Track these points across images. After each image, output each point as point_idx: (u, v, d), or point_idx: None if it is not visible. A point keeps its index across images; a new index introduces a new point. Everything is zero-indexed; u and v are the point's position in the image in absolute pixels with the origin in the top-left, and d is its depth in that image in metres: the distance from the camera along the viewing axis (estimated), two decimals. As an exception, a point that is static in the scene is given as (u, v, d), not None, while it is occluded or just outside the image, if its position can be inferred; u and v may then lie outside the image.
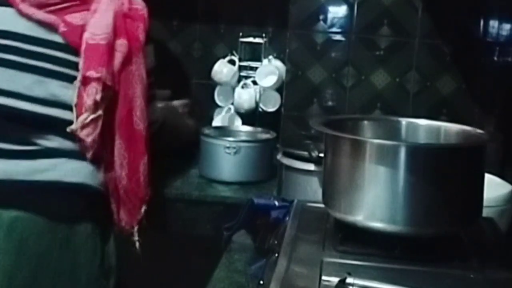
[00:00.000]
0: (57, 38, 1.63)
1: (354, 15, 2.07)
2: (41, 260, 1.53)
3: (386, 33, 2.06)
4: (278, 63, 2.43)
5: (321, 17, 2.08)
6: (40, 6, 1.63)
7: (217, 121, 2.48)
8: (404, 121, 1.50)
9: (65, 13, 1.63)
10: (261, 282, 1.23)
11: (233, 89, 2.45)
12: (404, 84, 2.08)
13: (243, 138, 2.21)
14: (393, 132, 1.48)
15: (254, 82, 2.42)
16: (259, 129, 2.31)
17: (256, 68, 2.43)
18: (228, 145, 2.10)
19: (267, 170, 2.15)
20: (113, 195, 1.71)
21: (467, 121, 1.47)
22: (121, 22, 1.67)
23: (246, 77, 2.46)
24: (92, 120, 1.61)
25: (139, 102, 1.69)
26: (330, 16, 2.08)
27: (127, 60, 1.66)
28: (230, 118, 2.47)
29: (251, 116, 2.45)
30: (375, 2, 2.06)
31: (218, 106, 2.49)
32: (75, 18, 1.63)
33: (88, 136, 1.61)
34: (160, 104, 2.03)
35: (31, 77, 1.59)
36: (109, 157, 1.68)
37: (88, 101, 1.60)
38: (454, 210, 1.24)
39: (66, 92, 1.61)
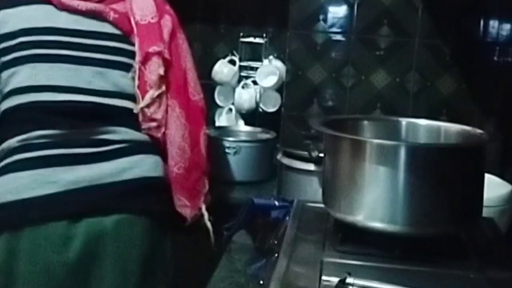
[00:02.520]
0: (106, 28, 1.64)
1: (354, 15, 2.07)
2: (147, 257, 1.54)
3: (386, 33, 2.07)
4: (278, 63, 2.43)
5: (321, 17, 2.09)
6: None
7: (217, 121, 2.48)
8: (404, 121, 1.50)
9: (106, 3, 1.66)
10: (261, 282, 1.23)
11: (234, 89, 2.45)
12: (404, 84, 2.08)
13: (243, 138, 2.21)
14: (393, 132, 1.48)
15: (254, 82, 2.42)
16: (259, 129, 2.32)
17: (257, 68, 2.43)
18: (228, 145, 2.10)
19: (267, 170, 2.16)
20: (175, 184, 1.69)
21: (467, 121, 1.47)
22: (159, 2, 1.73)
23: (247, 77, 2.46)
24: (158, 96, 1.63)
25: (191, 74, 1.74)
26: (330, 16, 2.09)
27: (174, 34, 1.72)
28: (230, 118, 2.47)
29: (251, 116, 2.45)
30: (375, 2, 2.06)
31: (218, 106, 2.49)
32: (118, 6, 1.66)
33: (157, 113, 1.63)
34: None
35: (89, 70, 1.59)
36: (168, 135, 1.69)
37: (153, 76, 1.63)
38: (454, 210, 1.24)
39: (126, 81, 1.62)
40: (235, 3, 2.56)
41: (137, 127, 1.61)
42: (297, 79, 2.11)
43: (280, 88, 2.32)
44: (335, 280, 1.08)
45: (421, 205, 1.20)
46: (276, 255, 1.23)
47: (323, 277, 1.11)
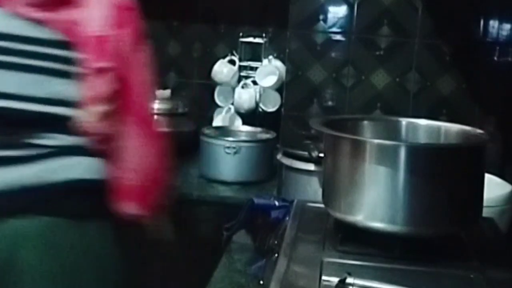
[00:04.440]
0: (53, 36, 1.62)
1: (354, 15, 2.07)
2: (76, 261, 1.52)
3: (386, 33, 2.07)
4: (278, 63, 2.43)
5: (321, 17, 2.09)
6: (32, 5, 1.62)
7: (217, 121, 2.48)
8: (404, 121, 1.50)
9: (58, 10, 1.63)
10: (261, 282, 1.23)
11: (233, 89, 2.45)
12: (404, 84, 2.08)
13: (243, 138, 2.21)
14: (393, 132, 1.48)
15: (254, 82, 2.42)
16: (259, 129, 2.31)
17: (256, 68, 2.43)
18: (228, 145, 2.10)
19: (267, 170, 2.16)
20: (123, 187, 1.69)
21: (467, 121, 1.47)
22: (118, 12, 1.70)
23: (246, 77, 2.46)
24: (107, 111, 1.62)
25: (147, 87, 1.70)
26: (330, 16, 2.09)
27: (132, 48, 1.69)
28: (230, 118, 2.47)
29: (251, 116, 2.45)
30: (375, 2, 2.06)
31: (218, 106, 2.49)
32: (69, 14, 1.64)
33: (105, 127, 1.62)
34: None
35: (29, 77, 1.59)
36: (119, 147, 1.68)
37: (101, 91, 1.59)
38: (454, 210, 1.24)
39: (67, 88, 1.60)
40: (235, 3, 2.56)
41: (74, 135, 1.60)
42: (297, 79, 2.11)
43: (280, 88, 2.32)
44: (335, 280, 1.08)
45: (421, 205, 1.20)
46: (276, 255, 1.23)
47: (323, 277, 1.11)
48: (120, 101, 1.64)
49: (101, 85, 1.60)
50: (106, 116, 1.61)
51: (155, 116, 1.78)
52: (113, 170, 1.64)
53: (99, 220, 1.58)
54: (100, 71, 1.60)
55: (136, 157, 1.67)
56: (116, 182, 1.64)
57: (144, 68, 1.70)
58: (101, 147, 1.62)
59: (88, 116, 1.57)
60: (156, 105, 2.41)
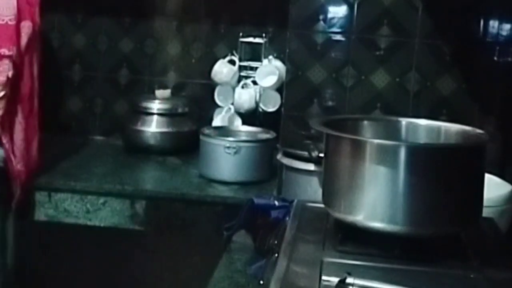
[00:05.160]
0: None
1: (354, 15, 2.07)
2: None
3: (386, 33, 2.06)
4: (278, 63, 2.43)
5: (321, 17, 2.08)
6: None
7: (217, 121, 2.48)
8: (404, 121, 1.50)
9: None
10: (261, 282, 1.23)
11: (233, 89, 2.45)
12: (404, 84, 2.08)
13: (243, 138, 2.21)
14: (393, 132, 1.48)
15: (254, 82, 2.42)
16: (259, 129, 2.31)
17: (256, 68, 2.43)
18: (228, 145, 2.10)
19: (267, 170, 2.16)
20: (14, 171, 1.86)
21: (467, 121, 1.47)
22: (23, 5, 1.78)
23: (246, 77, 2.46)
24: (2, 96, 1.73)
25: (37, 84, 1.86)
26: (330, 16, 2.08)
27: (31, 41, 1.78)
28: (230, 118, 2.47)
29: (251, 116, 2.45)
30: (375, 2, 2.05)
31: (218, 106, 2.49)
32: None
33: None
34: None
35: None
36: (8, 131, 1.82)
37: (1, 77, 1.71)
38: (454, 210, 1.24)
39: None
40: (235, 3, 2.56)
41: None
42: (297, 79, 2.11)
43: (280, 88, 2.32)
44: (335, 280, 1.08)
45: (421, 205, 1.20)
46: (276, 255, 1.23)
47: (323, 277, 1.11)
48: (12, 89, 1.76)
49: (1, 71, 1.71)
50: (2, 100, 1.74)
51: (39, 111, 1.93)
52: (8, 157, 1.80)
53: None
54: (3, 56, 1.70)
55: (23, 143, 1.83)
56: (10, 168, 1.81)
57: (38, 65, 1.85)
58: None
59: None
60: (156, 105, 2.42)
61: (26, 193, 1.91)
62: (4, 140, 1.81)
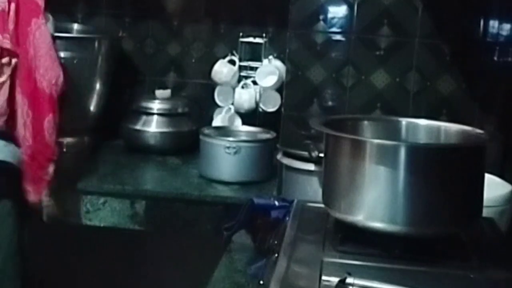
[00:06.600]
0: None
1: (354, 15, 2.07)
2: None
3: (386, 33, 2.06)
4: (278, 63, 2.43)
5: (321, 17, 2.08)
6: None
7: (217, 121, 2.48)
8: (404, 121, 1.50)
9: None
10: (261, 282, 1.23)
11: (233, 89, 2.45)
12: (404, 84, 2.08)
13: (243, 138, 2.21)
14: (393, 132, 1.48)
15: (254, 82, 2.42)
16: (259, 129, 2.31)
17: (256, 68, 2.43)
18: (228, 145, 2.10)
19: (267, 170, 2.15)
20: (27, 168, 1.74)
21: (467, 121, 1.47)
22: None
23: (246, 77, 2.46)
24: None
25: (43, 61, 1.73)
26: (330, 16, 2.08)
27: (25, 21, 1.71)
28: (230, 118, 2.47)
29: (251, 116, 2.45)
30: (375, 2, 2.05)
31: (218, 106, 2.49)
32: None
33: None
34: None
35: None
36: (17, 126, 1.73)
37: None
38: (454, 210, 1.24)
39: None
40: (235, 3, 2.56)
41: None
42: (297, 79, 2.11)
43: (280, 88, 2.32)
44: (335, 280, 1.08)
45: (421, 205, 1.21)
46: (276, 255, 1.23)
47: (323, 277, 1.11)
48: (14, 74, 1.70)
49: None
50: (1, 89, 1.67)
51: (50, 90, 1.76)
52: (21, 153, 1.71)
53: (5, 201, 1.64)
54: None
55: (25, 128, 1.72)
56: (23, 165, 1.71)
57: (41, 43, 1.74)
58: (3, 121, 1.68)
59: None
60: (156, 105, 2.42)
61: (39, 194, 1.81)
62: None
